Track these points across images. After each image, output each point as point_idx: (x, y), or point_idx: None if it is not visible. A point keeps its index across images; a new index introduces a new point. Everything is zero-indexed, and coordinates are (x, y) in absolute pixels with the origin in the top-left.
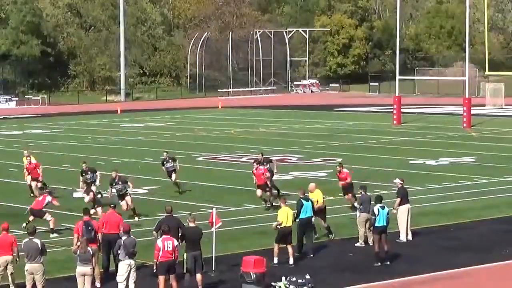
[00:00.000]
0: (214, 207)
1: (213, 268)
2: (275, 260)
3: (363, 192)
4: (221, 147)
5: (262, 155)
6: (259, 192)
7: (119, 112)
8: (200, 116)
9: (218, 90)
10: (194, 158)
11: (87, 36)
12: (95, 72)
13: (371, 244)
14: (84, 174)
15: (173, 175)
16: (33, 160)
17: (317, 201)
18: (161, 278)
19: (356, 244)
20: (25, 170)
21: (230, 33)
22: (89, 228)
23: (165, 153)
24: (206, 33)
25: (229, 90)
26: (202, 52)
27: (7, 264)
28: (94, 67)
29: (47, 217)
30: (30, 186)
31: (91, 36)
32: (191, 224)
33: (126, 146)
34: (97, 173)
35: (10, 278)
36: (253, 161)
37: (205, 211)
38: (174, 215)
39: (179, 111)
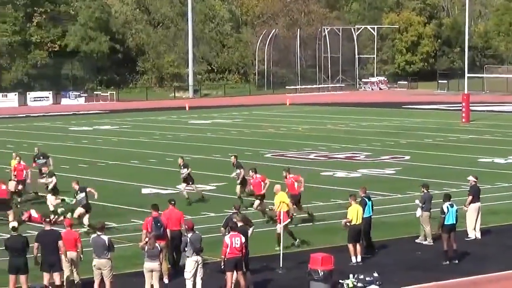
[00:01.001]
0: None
1: (281, 265)
2: (353, 259)
3: (425, 190)
4: (289, 144)
5: (183, 160)
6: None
7: (187, 108)
8: (267, 113)
9: (286, 87)
10: (262, 155)
11: (156, 33)
12: (164, 68)
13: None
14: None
15: (183, 184)
16: (22, 162)
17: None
18: (229, 275)
19: (424, 242)
20: (12, 171)
21: (298, 30)
22: (158, 224)
23: (180, 159)
24: (274, 30)
25: (297, 87)
26: (270, 49)
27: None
28: (163, 64)
29: (11, 214)
30: (15, 191)
31: (159, 33)
32: (239, 224)
33: (194, 142)
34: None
35: (75, 274)
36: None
37: None
38: (241, 212)
39: (247, 108)
